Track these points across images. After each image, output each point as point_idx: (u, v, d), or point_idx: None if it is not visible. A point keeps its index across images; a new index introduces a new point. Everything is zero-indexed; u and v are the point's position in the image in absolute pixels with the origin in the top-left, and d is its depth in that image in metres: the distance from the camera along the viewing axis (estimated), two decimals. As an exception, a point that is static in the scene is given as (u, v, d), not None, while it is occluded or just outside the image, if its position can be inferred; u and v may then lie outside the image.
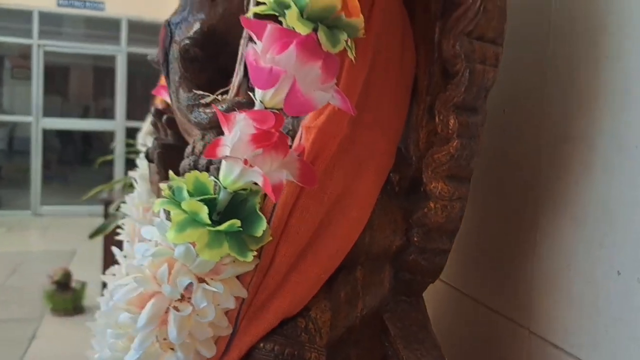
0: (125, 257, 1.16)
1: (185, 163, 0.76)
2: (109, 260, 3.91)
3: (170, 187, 0.66)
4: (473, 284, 1.03)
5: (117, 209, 3.44)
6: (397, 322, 0.80)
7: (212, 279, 0.67)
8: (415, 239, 0.77)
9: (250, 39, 0.75)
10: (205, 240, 0.64)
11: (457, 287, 1.06)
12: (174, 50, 0.91)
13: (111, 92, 7.75)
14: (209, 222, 0.63)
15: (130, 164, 4.86)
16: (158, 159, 1.08)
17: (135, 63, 7.81)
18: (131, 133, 7.38)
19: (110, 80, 7.72)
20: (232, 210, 0.67)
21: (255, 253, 0.66)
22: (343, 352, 0.78)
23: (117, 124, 7.68)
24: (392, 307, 0.81)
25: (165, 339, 0.67)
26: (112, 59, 7.65)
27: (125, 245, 1.17)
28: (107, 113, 7.95)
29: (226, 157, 0.61)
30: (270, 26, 0.61)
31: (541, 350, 0.88)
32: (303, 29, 0.59)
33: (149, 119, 5.05)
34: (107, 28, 7.62)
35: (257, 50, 0.61)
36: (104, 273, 3.91)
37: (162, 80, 3.94)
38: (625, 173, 0.73)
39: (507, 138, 0.93)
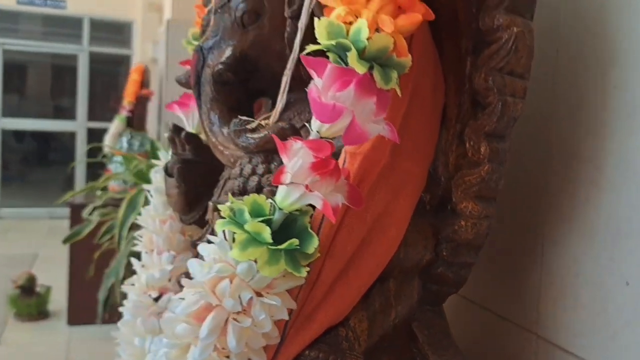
0: (143, 266, 1.21)
1: (234, 184, 0.82)
2: (76, 265, 3.91)
3: (231, 209, 0.72)
4: (481, 292, 1.12)
5: (91, 213, 3.44)
6: (424, 329, 0.88)
7: (267, 292, 0.74)
8: (444, 253, 0.85)
9: (297, 68, 0.82)
10: (266, 258, 0.71)
11: (466, 295, 1.14)
12: (206, 74, 0.96)
13: (72, 91, 7.65)
14: (271, 241, 0.70)
15: (95, 167, 4.81)
16: (178, 173, 1.14)
17: (97, 62, 7.73)
18: (92, 134, 7.32)
19: (72, 79, 7.62)
20: (284, 229, 0.74)
21: (307, 269, 0.73)
22: (376, 358, 0.85)
23: (79, 125, 7.59)
24: (419, 316, 0.89)
25: (223, 348, 0.74)
26: (73, 58, 7.56)
27: (144, 255, 1.22)
28: (68, 113, 7.84)
29: (291, 183, 0.68)
30: (330, 66, 0.68)
31: (549, 353, 0.97)
32: (361, 69, 0.67)
33: (116, 120, 4.99)
34: (68, 27, 7.53)
35: (318, 87, 0.68)
36: (70, 277, 3.86)
37: (130, 83, 3.95)
38: (632, 192, 0.83)
39: (518, 157, 1.02)
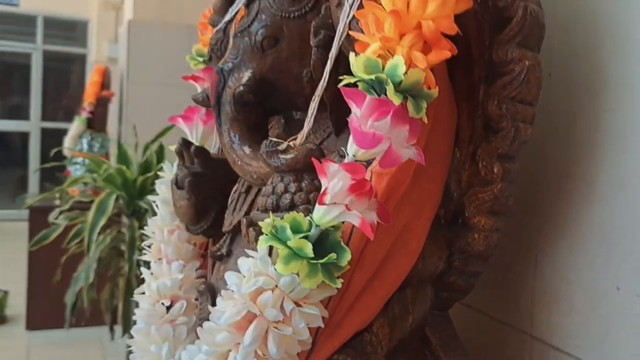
0: (152, 274, 1.26)
1: (267, 201, 0.88)
2: (35, 269, 3.86)
3: (273, 226, 0.79)
4: (477, 297, 1.21)
5: (57, 217, 3.42)
6: (435, 333, 0.97)
7: (304, 303, 0.81)
8: (456, 263, 0.94)
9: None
10: (306, 271, 0.78)
11: (463, 301, 1.23)
12: (227, 95, 1.02)
13: (25, 91, 7.49)
14: (312, 256, 0.77)
15: (51, 169, 4.75)
16: (189, 186, 1.19)
17: (51, 61, 7.60)
18: (46, 134, 7.19)
19: (25, 78, 7.46)
20: (319, 244, 0.81)
21: (342, 280, 0.80)
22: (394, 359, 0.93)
23: (32, 125, 7.44)
24: (430, 320, 0.98)
25: (264, 355, 0.80)
26: (27, 56, 7.40)
27: (153, 265, 1.26)
28: (21, 113, 7.67)
29: (334, 204, 0.75)
30: (369, 98, 0.75)
31: (543, 353, 1.07)
32: (397, 100, 0.74)
33: (76, 121, 4.92)
34: (22, 24, 7.37)
35: (357, 116, 0.75)
36: (29, 281, 3.83)
37: (90, 84, 3.93)
38: (623, 206, 0.93)
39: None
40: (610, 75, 0.97)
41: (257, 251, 0.84)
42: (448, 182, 0.93)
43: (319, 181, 0.86)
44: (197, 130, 1.32)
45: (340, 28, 0.84)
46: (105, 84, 5.08)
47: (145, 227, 1.32)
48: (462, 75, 0.91)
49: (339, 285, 0.80)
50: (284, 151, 0.88)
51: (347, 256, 0.80)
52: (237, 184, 1.17)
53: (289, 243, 0.78)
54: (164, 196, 1.33)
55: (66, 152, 4.74)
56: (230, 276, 0.85)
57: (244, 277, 0.83)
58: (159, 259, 1.28)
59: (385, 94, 0.76)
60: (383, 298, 0.88)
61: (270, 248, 0.83)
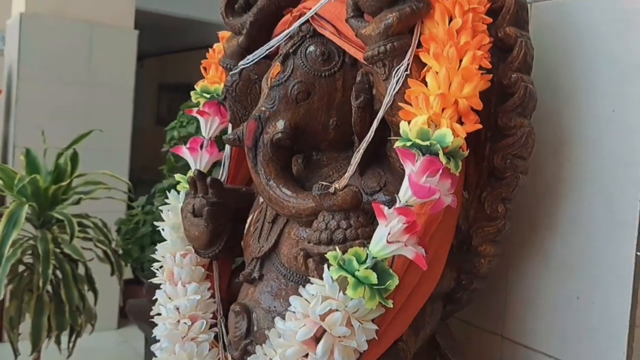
0: (164, 293, 1.43)
1: (321, 235, 1.09)
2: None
3: (341, 258, 1.02)
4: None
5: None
6: (442, 338, 1.24)
7: (363, 320, 1.04)
8: (463, 282, 1.22)
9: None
10: (369, 295, 1.01)
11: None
12: (264, 139, 1.23)
13: None
14: (376, 283, 1.01)
15: None
16: (207, 214, 1.38)
17: None
18: None
19: None
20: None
21: (392, 300, 1.04)
22: (412, 363, 1.19)
23: None
24: (437, 329, 1.24)
25: (331, 364, 1.03)
26: None
27: (168, 287, 1.42)
28: None
29: (395, 242, 0.99)
30: (421, 158, 1.00)
31: (513, 350, 1.37)
32: (445, 161, 1.00)
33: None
34: None
35: (414, 173, 1.00)
36: None
37: None
38: (579, 235, 1.25)
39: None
40: (572, 133, 1.28)
41: (318, 278, 1.06)
42: (457, 217, 1.20)
43: (363, 218, 1.10)
44: (201, 159, 1.51)
45: (387, 98, 1.08)
46: (-9, 80, 4.91)
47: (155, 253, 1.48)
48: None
49: (391, 306, 1.04)
50: (334, 193, 1.11)
51: (395, 281, 1.04)
52: (255, 213, 1.37)
53: (357, 274, 1.01)
54: (172, 222, 1.49)
55: (-54, 154, 4.55)
56: (294, 300, 1.06)
57: (307, 300, 1.05)
58: (169, 280, 1.45)
59: (429, 155, 1.02)
60: (414, 312, 1.13)
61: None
